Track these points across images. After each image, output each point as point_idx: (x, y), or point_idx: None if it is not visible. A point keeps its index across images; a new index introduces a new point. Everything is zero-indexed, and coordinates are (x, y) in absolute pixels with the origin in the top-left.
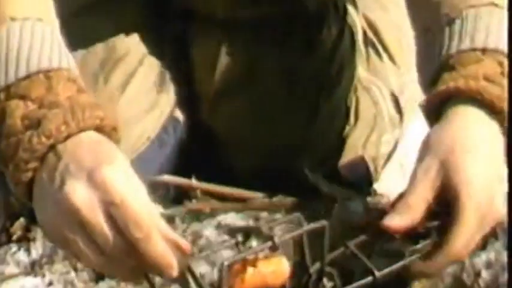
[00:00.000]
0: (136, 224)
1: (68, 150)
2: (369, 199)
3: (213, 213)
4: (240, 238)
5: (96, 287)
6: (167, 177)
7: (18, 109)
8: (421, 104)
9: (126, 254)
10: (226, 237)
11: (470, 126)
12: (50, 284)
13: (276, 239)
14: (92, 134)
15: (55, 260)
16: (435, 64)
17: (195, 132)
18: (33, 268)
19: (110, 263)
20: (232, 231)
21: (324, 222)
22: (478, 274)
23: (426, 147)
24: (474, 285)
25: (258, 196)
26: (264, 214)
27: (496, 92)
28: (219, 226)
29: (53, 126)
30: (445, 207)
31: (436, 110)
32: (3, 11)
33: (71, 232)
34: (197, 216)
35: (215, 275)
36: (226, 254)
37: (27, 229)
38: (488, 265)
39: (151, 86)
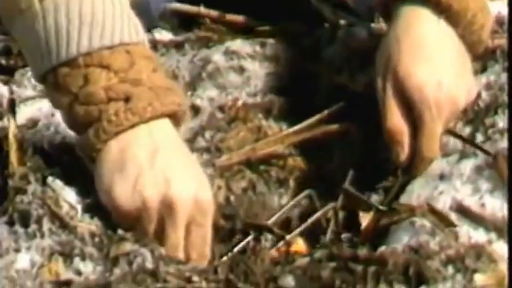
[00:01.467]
0: (203, 248)
1: (167, 144)
2: (372, 25)
3: (221, 40)
4: (252, 235)
5: None
6: (177, 5)
7: (101, 79)
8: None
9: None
10: (233, 62)
11: (416, 27)
12: None
13: (287, 237)
14: (172, 130)
15: None
16: None
17: None
18: None
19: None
20: (245, 225)
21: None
22: (478, 95)
23: (381, 58)
24: (475, 107)
25: (264, 23)
26: (270, 40)
27: None
28: (226, 52)
29: (141, 105)
30: None
31: (387, 9)
32: None
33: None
34: (206, 42)
35: (223, 98)
36: (234, 79)
37: None
38: (488, 87)
39: None
